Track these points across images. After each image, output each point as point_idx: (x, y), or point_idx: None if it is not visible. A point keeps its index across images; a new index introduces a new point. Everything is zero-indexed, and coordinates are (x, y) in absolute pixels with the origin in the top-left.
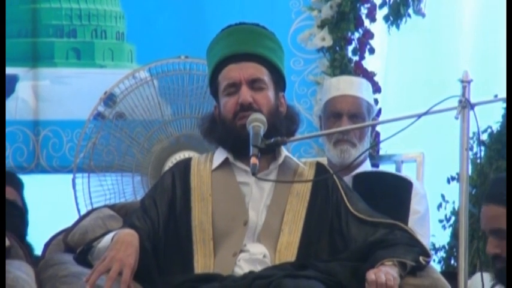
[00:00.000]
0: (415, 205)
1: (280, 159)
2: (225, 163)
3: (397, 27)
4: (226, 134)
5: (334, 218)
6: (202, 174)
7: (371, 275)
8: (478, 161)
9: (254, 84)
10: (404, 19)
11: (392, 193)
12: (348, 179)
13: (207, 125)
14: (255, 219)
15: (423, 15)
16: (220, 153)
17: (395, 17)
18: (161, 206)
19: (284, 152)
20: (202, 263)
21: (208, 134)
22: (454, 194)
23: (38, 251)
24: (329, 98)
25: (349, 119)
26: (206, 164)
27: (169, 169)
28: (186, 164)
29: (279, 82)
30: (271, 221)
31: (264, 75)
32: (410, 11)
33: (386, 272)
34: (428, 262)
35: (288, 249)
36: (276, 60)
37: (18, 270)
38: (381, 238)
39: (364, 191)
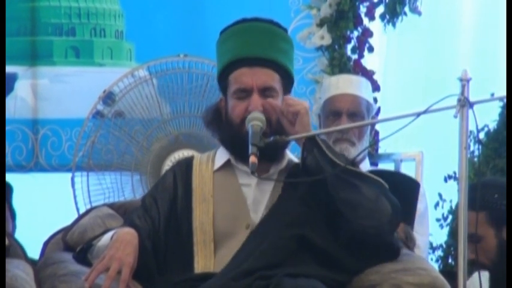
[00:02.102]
0: None
1: (283, 164)
2: (227, 164)
3: (393, 25)
4: (231, 137)
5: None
6: (204, 175)
7: None
8: (475, 159)
9: (266, 92)
10: (400, 17)
11: (400, 192)
12: None
13: (211, 116)
14: (256, 221)
15: (419, 14)
16: (223, 154)
17: (391, 15)
18: (162, 205)
19: (288, 155)
20: (202, 264)
21: (211, 124)
22: (452, 193)
23: (37, 249)
24: (328, 96)
25: (349, 118)
26: (208, 164)
27: (170, 168)
28: (187, 163)
29: (288, 86)
30: None
31: (276, 82)
32: (406, 9)
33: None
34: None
35: None
36: (288, 64)
37: (17, 269)
38: None
39: None
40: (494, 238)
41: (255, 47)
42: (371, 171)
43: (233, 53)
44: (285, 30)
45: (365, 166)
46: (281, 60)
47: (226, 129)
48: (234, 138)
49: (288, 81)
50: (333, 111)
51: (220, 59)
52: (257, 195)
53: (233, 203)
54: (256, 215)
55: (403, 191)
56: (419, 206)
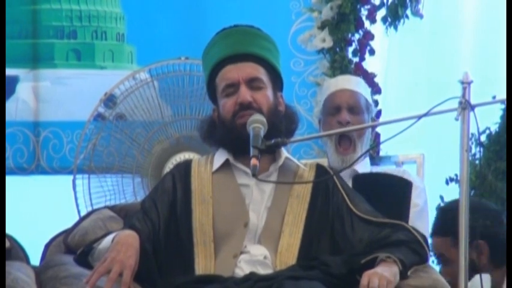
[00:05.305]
0: (414, 198)
1: (280, 161)
2: (226, 165)
3: (395, 28)
4: (226, 134)
5: (336, 220)
6: (202, 177)
7: (364, 278)
8: (477, 162)
9: (253, 83)
10: (402, 20)
11: (391, 194)
12: (348, 179)
13: (206, 129)
14: (256, 221)
15: (421, 17)
16: (221, 155)
17: (393, 18)
18: (162, 208)
19: (284, 153)
20: (203, 265)
21: (208, 138)
22: (453, 195)
23: (39, 251)
24: (328, 94)
25: (348, 112)
26: (206, 166)
27: (169, 171)
28: (186, 166)
29: (277, 81)
30: (272, 223)
31: (262, 74)
32: (408, 12)
33: (381, 275)
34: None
35: (289, 251)
36: (273, 59)
37: (18, 271)
38: (385, 236)
39: (363, 192)
40: None
41: (236, 45)
42: (360, 174)
43: (216, 56)
44: (267, 34)
45: (366, 168)
46: (263, 54)
47: (221, 129)
48: (229, 135)
49: (275, 77)
50: (332, 107)
51: (206, 68)
52: (256, 195)
53: (232, 203)
54: (255, 214)
55: (396, 192)
56: (419, 201)
